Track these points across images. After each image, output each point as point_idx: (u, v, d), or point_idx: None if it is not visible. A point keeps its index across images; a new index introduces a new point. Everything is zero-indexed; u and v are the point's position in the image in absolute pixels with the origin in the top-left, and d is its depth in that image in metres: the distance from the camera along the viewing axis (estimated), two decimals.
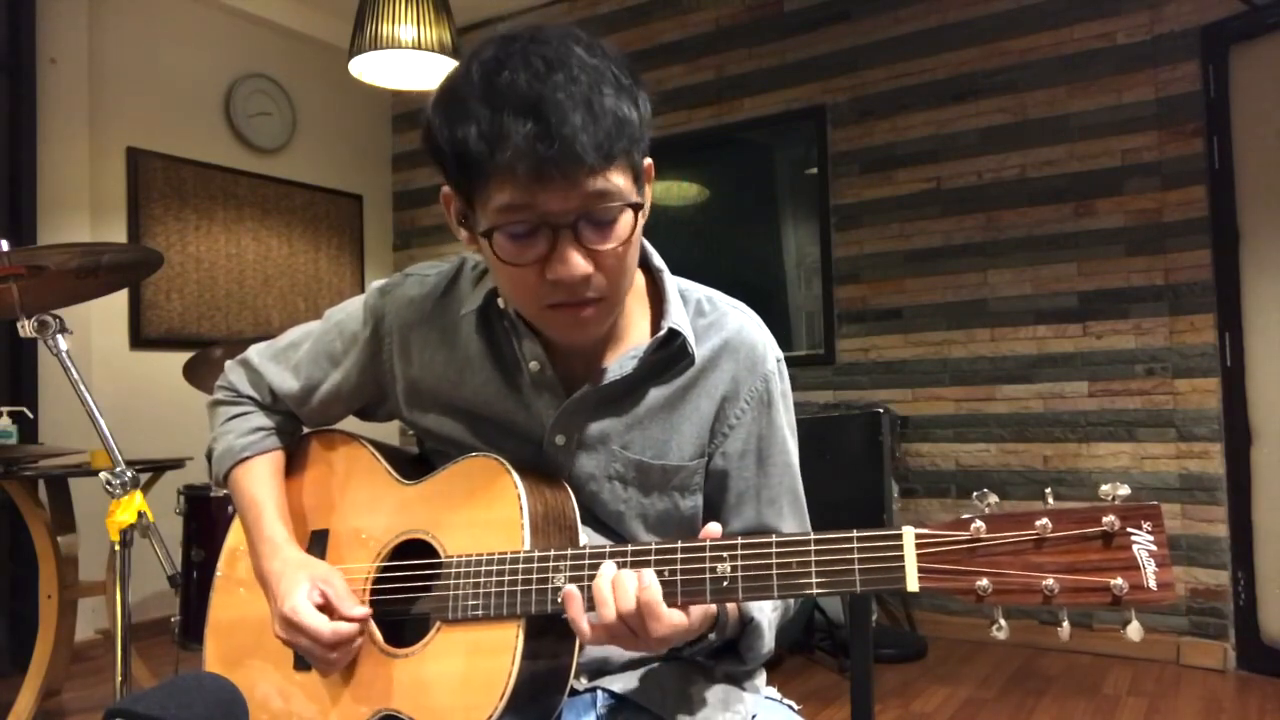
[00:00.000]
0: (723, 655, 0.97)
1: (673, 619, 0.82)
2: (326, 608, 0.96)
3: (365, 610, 0.97)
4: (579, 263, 0.85)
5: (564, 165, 0.81)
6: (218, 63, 4.27)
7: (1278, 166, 3.09)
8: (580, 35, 0.86)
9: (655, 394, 1.00)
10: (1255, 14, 3.09)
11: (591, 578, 0.86)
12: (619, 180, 0.85)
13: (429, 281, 1.07)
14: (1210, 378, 3.19)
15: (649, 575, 0.82)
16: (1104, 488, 0.75)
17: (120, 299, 3.84)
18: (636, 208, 0.88)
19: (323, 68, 4.67)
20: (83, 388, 1.63)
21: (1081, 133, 3.41)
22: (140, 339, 3.92)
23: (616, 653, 0.99)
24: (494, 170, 0.82)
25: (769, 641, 0.98)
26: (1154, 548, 0.73)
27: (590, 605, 0.84)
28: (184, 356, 2.90)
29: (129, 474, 1.56)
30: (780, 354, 1.05)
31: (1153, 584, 0.72)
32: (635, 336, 1.02)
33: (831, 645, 3.35)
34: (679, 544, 0.85)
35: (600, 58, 0.85)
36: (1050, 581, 0.74)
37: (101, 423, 1.63)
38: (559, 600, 0.87)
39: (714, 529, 0.86)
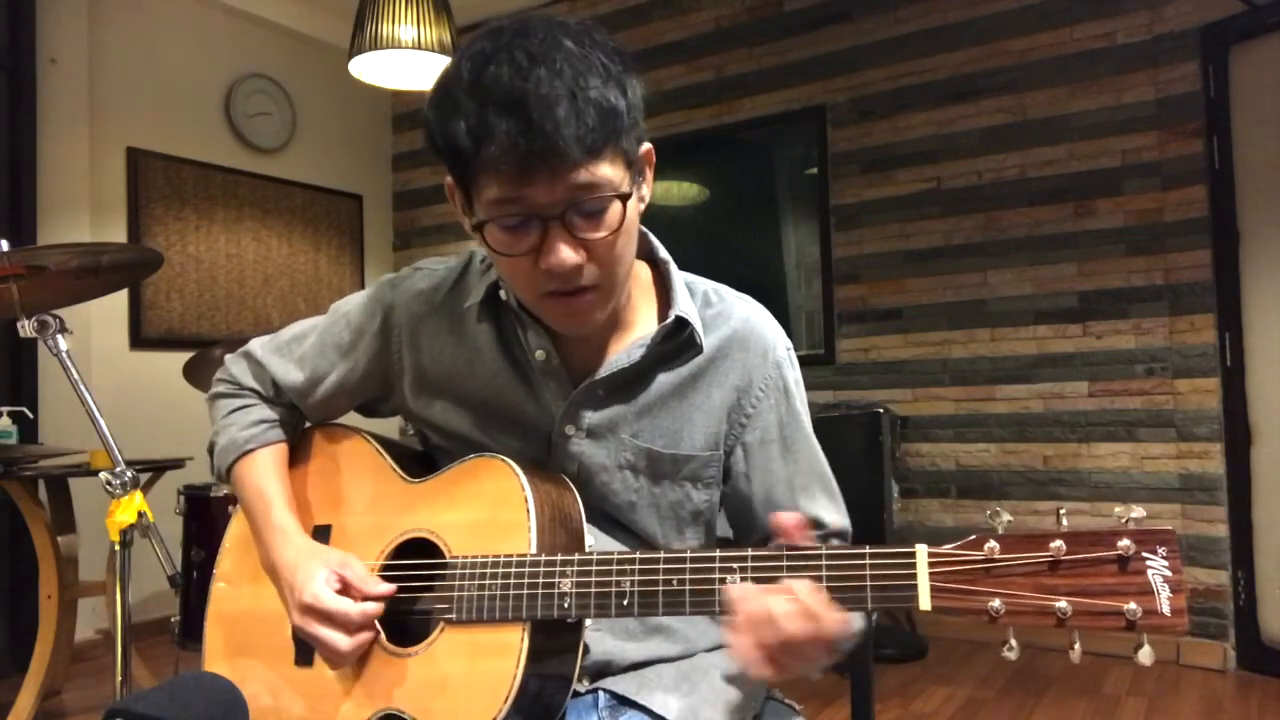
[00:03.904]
0: None
1: (834, 614, 0.77)
2: (345, 592, 0.94)
3: (390, 587, 0.96)
4: (568, 253, 0.86)
5: (547, 160, 0.82)
6: (218, 63, 4.27)
7: (1278, 166, 3.09)
8: (568, 25, 0.87)
9: (664, 382, 1.01)
10: (1255, 14, 3.09)
11: (600, 583, 0.86)
12: (607, 170, 0.86)
13: (438, 275, 1.07)
14: (1210, 378, 3.19)
15: (799, 583, 0.78)
16: (1117, 509, 0.75)
17: (120, 299, 3.84)
18: (624, 198, 0.88)
19: (323, 68, 4.67)
20: (83, 388, 1.63)
21: (1081, 133, 3.41)
22: (140, 339, 3.92)
23: (619, 655, 0.99)
24: (481, 166, 0.85)
25: (858, 619, 0.97)
26: (1168, 573, 0.72)
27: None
28: (184, 356, 2.90)
29: (129, 474, 1.56)
30: (789, 343, 1.07)
31: (1166, 610, 0.72)
32: (642, 326, 1.02)
33: None
34: (688, 554, 0.84)
35: (588, 46, 0.85)
36: (1063, 604, 0.73)
37: (101, 423, 1.62)
38: (565, 604, 0.87)
39: (788, 518, 0.83)
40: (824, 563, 0.80)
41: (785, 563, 0.81)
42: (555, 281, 0.89)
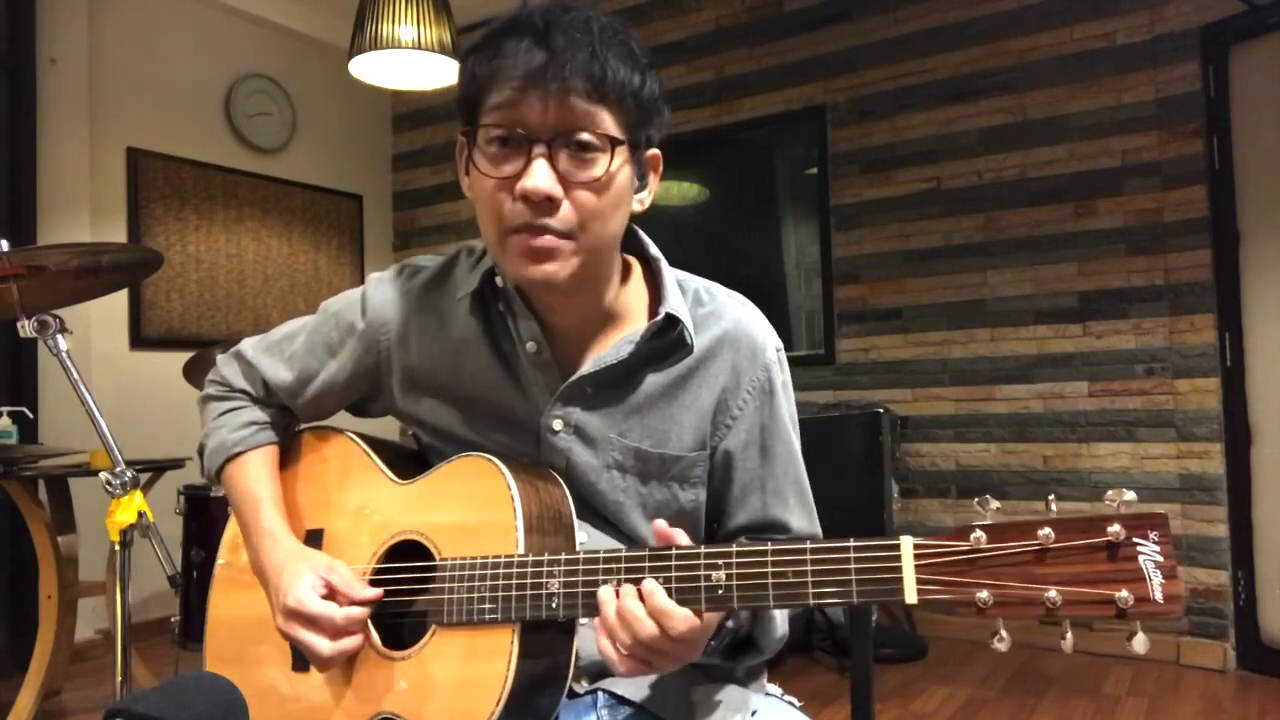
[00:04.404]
0: (740, 650, 0.97)
1: (688, 614, 0.80)
2: (331, 596, 0.94)
3: (376, 592, 0.95)
4: (544, 177, 0.87)
5: (551, 79, 0.85)
6: (218, 63, 4.27)
7: (1278, 166, 3.09)
8: (608, 14, 0.91)
9: (653, 381, 1.00)
10: (1255, 14, 3.09)
11: (588, 583, 0.85)
12: (607, 121, 0.89)
13: (426, 271, 1.07)
14: (1210, 378, 3.19)
15: (648, 582, 0.82)
16: (1109, 494, 0.73)
17: (120, 299, 3.84)
18: (616, 143, 0.90)
19: (323, 68, 4.67)
20: (83, 388, 1.63)
21: (1081, 133, 3.41)
22: (140, 339, 3.92)
23: None
24: (489, 79, 0.88)
25: (782, 626, 0.98)
26: (1160, 559, 0.70)
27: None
28: (184, 356, 2.91)
29: (129, 474, 1.56)
30: (779, 344, 1.06)
31: (1159, 596, 0.70)
32: (632, 323, 1.02)
33: (831, 645, 3.35)
34: (673, 550, 0.83)
35: (622, 32, 0.90)
36: (1053, 594, 0.71)
37: (101, 423, 1.63)
38: (553, 605, 0.87)
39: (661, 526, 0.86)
40: (809, 556, 0.79)
41: (770, 558, 0.80)
42: (526, 212, 0.88)
